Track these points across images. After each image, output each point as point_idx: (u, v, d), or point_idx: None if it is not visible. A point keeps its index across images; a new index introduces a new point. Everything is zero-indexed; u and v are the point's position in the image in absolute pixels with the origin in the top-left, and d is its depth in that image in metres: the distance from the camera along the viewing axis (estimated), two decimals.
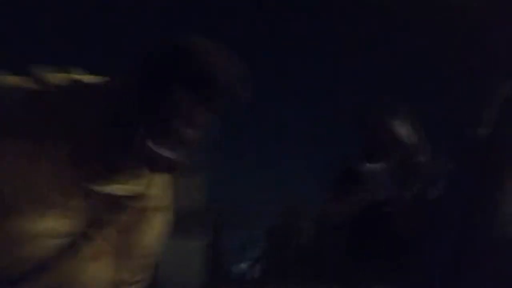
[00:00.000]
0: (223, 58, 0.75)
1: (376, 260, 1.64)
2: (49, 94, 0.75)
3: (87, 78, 0.80)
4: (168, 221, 0.94)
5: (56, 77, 0.77)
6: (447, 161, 1.69)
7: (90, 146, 0.74)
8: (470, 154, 1.59)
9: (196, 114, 0.75)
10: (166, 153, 0.74)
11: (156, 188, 0.89)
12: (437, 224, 1.61)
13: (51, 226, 0.73)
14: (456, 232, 1.63)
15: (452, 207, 1.55)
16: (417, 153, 1.71)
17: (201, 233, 15.05)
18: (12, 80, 0.76)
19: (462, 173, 1.55)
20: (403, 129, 1.75)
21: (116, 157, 0.77)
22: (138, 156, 0.75)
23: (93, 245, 0.80)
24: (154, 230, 0.91)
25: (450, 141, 1.70)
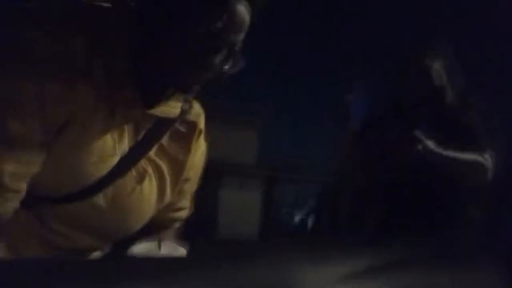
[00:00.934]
0: None
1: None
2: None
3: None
4: (205, 149, 0.94)
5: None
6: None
7: (136, 65, 0.73)
8: None
9: (240, 14, 0.70)
10: (217, 59, 0.72)
11: (195, 114, 0.88)
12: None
13: (110, 147, 0.74)
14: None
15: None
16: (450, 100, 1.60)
17: (256, 186, 15.28)
18: None
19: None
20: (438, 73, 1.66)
21: (163, 77, 0.74)
22: (195, 65, 0.71)
23: (138, 167, 0.79)
24: (196, 155, 0.90)
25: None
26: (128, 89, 0.73)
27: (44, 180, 0.69)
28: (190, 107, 0.86)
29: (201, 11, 0.68)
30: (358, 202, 1.72)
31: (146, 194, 0.81)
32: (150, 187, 0.81)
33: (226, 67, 0.73)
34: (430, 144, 1.44)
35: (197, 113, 0.89)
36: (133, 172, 0.79)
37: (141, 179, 0.80)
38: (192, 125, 0.88)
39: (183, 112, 0.83)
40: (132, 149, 0.78)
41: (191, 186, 0.93)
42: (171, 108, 0.79)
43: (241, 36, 0.72)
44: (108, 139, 0.74)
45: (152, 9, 0.71)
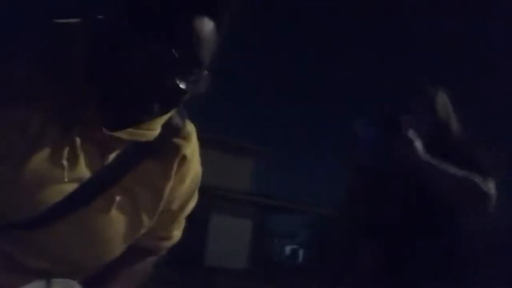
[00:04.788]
0: None
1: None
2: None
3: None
4: (194, 175, 0.86)
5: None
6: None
7: (94, 87, 0.69)
8: None
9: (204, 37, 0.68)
10: (182, 85, 0.68)
11: (181, 138, 0.81)
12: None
13: (58, 171, 0.70)
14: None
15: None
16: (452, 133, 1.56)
17: (248, 213, 15.14)
18: None
19: None
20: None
21: (123, 101, 0.69)
22: (162, 91, 0.68)
23: (107, 194, 0.75)
24: (183, 184, 0.83)
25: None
26: (86, 111, 0.69)
27: None
28: (177, 128, 0.80)
29: (156, 31, 0.65)
30: (356, 238, 1.67)
31: (114, 224, 0.76)
32: (120, 216, 0.76)
33: (188, 87, 0.68)
34: (419, 146, 1.41)
35: (184, 136, 0.81)
36: (101, 199, 0.73)
37: (109, 207, 0.74)
38: (175, 149, 0.80)
39: (165, 134, 0.76)
40: (97, 175, 0.72)
41: (177, 216, 0.87)
42: (145, 130, 0.73)
43: (202, 55, 0.68)
44: (57, 164, 0.69)
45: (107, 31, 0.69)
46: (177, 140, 0.80)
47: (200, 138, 0.89)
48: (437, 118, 1.53)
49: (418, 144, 1.40)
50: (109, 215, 0.74)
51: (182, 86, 0.67)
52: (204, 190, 0.91)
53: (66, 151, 0.70)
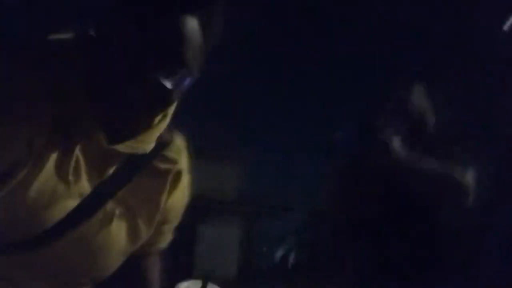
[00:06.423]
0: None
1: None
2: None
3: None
4: (186, 187, 0.86)
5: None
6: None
7: (92, 100, 0.68)
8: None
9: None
10: (168, 85, 0.66)
11: (175, 151, 0.82)
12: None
13: (63, 188, 0.69)
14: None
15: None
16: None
17: (236, 221, 15.09)
18: None
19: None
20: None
21: (119, 112, 0.69)
22: (148, 93, 0.66)
23: (106, 208, 0.74)
24: (176, 198, 0.84)
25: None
26: (85, 125, 0.69)
27: None
28: (168, 142, 0.80)
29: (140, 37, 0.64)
30: (339, 240, 1.68)
31: (114, 236, 0.76)
32: (119, 229, 0.77)
33: (174, 87, 0.67)
34: (397, 147, 1.41)
35: (178, 149, 0.82)
36: (100, 214, 0.74)
37: (108, 221, 0.75)
38: (171, 163, 0.81)
39: (158, 148, 0.76)
40: (97, 189, 0.72)
41: (170, 227, 0.88)
42: (141, 143, 0.73)
43: (186, 55, 0.67)
44: (62, 180, 0.69)
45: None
46: (170, 154, 0.81)
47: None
48: (413, 114, 1.54)
49: (395, 145, 1.41)
50: (109, 228, 0.75)
51: (167, 85, 0.65)
52: (191, 200, 0.94)
53: (70, 167, 0.69)
